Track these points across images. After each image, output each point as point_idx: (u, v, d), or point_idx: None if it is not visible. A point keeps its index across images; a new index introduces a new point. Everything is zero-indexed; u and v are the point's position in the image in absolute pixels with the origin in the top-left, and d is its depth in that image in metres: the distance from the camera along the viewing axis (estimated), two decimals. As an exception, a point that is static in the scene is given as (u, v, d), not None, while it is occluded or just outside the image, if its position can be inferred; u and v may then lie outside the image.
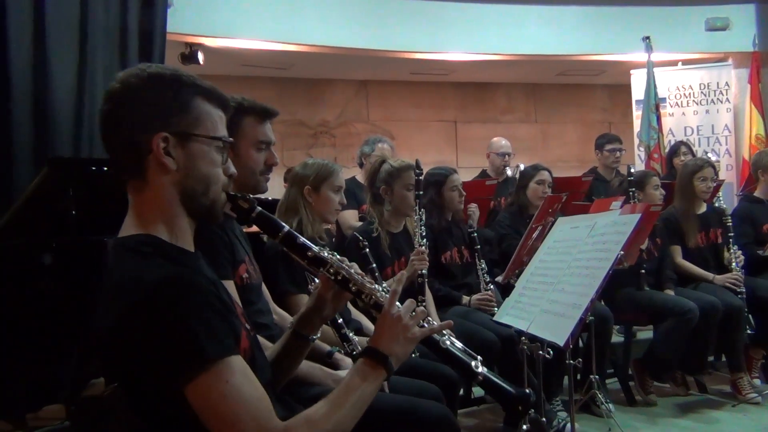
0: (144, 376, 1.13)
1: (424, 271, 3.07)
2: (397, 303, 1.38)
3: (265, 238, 2.79)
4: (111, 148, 1.26)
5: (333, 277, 1.41)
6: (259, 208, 1.39)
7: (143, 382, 1.14)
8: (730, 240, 4.08)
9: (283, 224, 1.42)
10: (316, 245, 1.45)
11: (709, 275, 4.03)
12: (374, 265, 2.83)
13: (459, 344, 1.43)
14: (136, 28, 4.30)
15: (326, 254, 1.42)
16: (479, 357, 1.42)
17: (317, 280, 2.29)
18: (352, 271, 1.43)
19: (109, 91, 1.25)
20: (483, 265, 3.53)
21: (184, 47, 6.05)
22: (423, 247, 3.09)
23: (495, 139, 5.42)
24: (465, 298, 3.43)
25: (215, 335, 1.12)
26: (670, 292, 3.88)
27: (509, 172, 5.16)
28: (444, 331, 1.42)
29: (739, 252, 4.05)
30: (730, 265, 4.03)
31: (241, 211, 1.37)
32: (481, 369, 1.39)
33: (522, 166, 4.89)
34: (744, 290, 3.93)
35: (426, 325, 1.39)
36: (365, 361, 1.31)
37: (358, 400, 1.27)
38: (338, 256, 1.44)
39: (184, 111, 1.24)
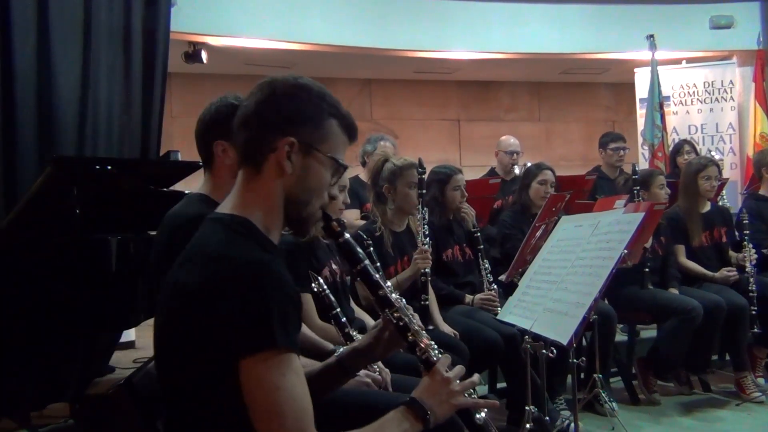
0: (207, 341, 1.15)
1: (427, 270, 3.07)
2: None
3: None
4: (241, 135, 1.32)
5: (395, 322, 1.44)
6: (348, 237, 1.45)
7: (202, 348, 1.16)
8: (746, 238, 4.05)
9: (365, 257, 1.46)
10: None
11: (710, 274, 4.02)
12: (378, 264, 2.83)
13: (493, 426, 1.46)
14: (139, 27, 4.30)
15: (395, 297, 1.46)
16: None
17: (320, 279, 2.31)
18: (415, 321, 1.46)
19: (259, 86, 1.33)
20: (486, 265, 3.53)
21: (187, 46, 6.06)
22: (426, 246, 3.10)
23: (504, 137, 5.41)
24: (468, 297, 3.43)
25: (288, 328, 1.16)
26: (675, 291, 3.88)
27: (517, 171, 5.15)
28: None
29: (753, 250, 4.04)
30: (744, 263, 4.01)
31: (331, 233, 1.43)
32: None
33: (530, 164, 4.88)
34: (755, 288, 3.92)
35: (466, 395, 1.42)
36: (407, 409, 1.34)
37: None
38: (405, 303, 1.48)
39: (316, 125, 1.32)
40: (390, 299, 1.45)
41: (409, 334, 1.44)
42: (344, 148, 1.37)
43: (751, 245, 4.03)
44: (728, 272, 3.99)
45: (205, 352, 1.16)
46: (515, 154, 5.25)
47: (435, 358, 1.42)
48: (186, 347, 1.19)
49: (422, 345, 1.43)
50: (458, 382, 1.40)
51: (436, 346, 1.44)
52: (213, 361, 1.15)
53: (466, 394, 1.41)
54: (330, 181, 1.36)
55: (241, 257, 1.18)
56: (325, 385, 1.56)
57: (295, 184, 1.31)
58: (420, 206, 3.16)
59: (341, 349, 1.60)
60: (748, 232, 4.06)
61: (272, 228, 1.32)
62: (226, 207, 1.32)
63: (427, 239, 3.13)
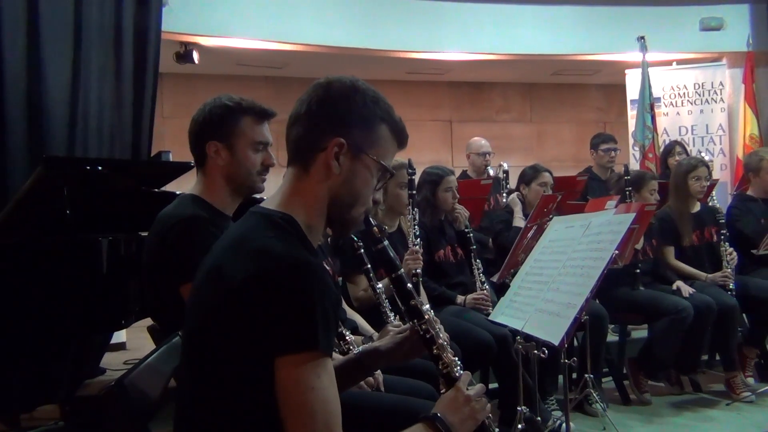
0: (246, 333, 1.15)
1: (418, 271, 3.07)
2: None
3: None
4: (292, 131, 1.33)
5: (421, 333, 1.45)
6: (386, 244, 1.46)
7: (240, 340, 1.15)
8: (723, 237, 4.09)
9: (400, 266, 1.48)
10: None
11: (702, 274, 4.05)
12: (369, 265, 2.82)
13: None
14: (130, 27, 4.28)
15: (425, 308, 1.46)
16: None
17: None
18: (442, 335, 1.46)
19: (315, 86, 1.33)
20: (479, 265, 3.53)
21: (179, 46, 6.04)
22: (417, 247, 3.10)
23: (474, 139, 5.41)
24: (460, 298, 3.44)
25: (328, 332, 1.16)
26: (681, 283, 3.88)
27: (491, 172, 5.15)
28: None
29: (731, 248, 4.07)
30: (723, 262, 4.06)
31: (371, 238, 1.46)
32: None
33: (506, 165, 4.89)
34: (733, 287, 3.95)
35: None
36: (429, 424, 1.34)
37: None
38: (434, 315, 1.48)
39: (368, 129, 1.32)
40: (420, 310, 1.45)
41: (434, 347, 1.44)
42: (393, 154, 1.38)
43: (727, 243, 4.07)
44: (722, 276, 4.01)
45: (242, 344, 1.15)
46: (487, 155, 5.25)
47: (457, 374, 1.42)
48: (222, 336, 1.18)
49: (445, 360, 1.43)
50: (478, 398, 1.40)
51: (459, 362, 1.45)
52: (249, 353, 1.15)
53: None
54: (375, 186, 1.36)
55: (290, 256, 1.17)
56: (342, 381, 1.57)
57: (341, 186, 1.30)
58: (410, 207, 3.16)
59: (360, 348, 1.61)
60: (724, 231, 4.09)
61: (314, 228, 1.32)
62: (272, 203, 1.32)
63: (418, 240, 3.14)
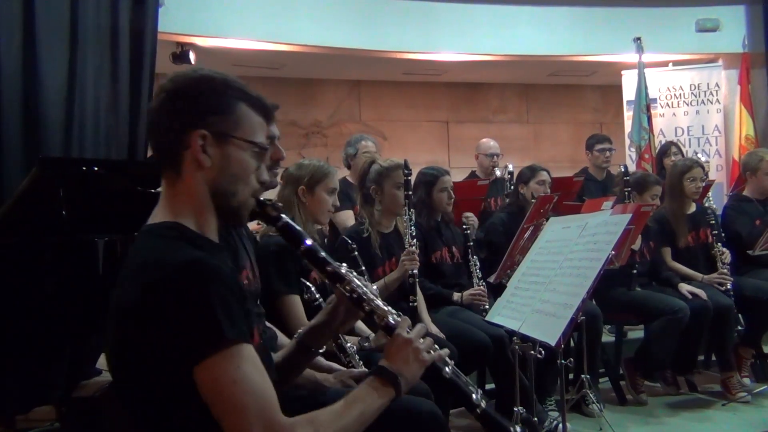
0: (158, 355, 1.13)
1: (414, 271, 3.07)
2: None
3: (258, 237, 2.79)
4: (152, 140, 1.31)
5: (348, 295, 1.44)
6: (286, 219, 1.43)
7: (155, 363, 1.14)
8: (716, 238, 4.10)
9: (307, 237, 1.45)
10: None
11: (698, 275, 4.05)
12: (363, 267, 2.81)
13: (462, 375, 1.47)
14: (127, 28, 4.28)
15: (344, 271, 1.45)
16: (480, 390, 1.47)
17: (312, 288, 2.30)
18: (368, 290, 1.46)
19: (160, 87, 1.30)
20: (476, 261, 3.54)
21: (175, 47, 6.02)
22: (413, 247, 3.10)
23: (483, 140, 5.46)
24: (456, 295, 3.43)
25: (233, 319, 1.14)
26: (685, 285, 3.88)
27: (498, 173, 5.19)
28: (447, 360, 1.45)
29: (724, 249, 4.08)
30: (718, 262, 4.07)
31: (268, 219, 1.42)
32: (481, 402, 1.44)
33: (510, 166, 4.90)
34: (731, 287, 3.96)
35: (432, 352, 1.42)
36: (375, 378, 1.34)
37: (362, 413, 1.29)
38: (356, 274, 1.47)
39: (226, 113, 1.28)
40: (340, 274, 1.44)
41: (364, 304, 1.43)
42: (262, 129, 1.34)
43: (720, 244, 4.07)
44: (719, 276, 4.01)
45: (158, 366, 1.14)
46: (495, 157, 5.31)
47: (394, 322, 1.42)
48: (138, 364, 1.16)
49: (379, 312, 1.43)
50: (421, 340, 1.40)
51: (393, 311, 1.44)
52: (168, 372, 1.13)
53: (431, 351, 1.41)
54: (254, 166, 1.32)
55: (173, 260, 1.15)
56: (292, 368, 1.58)
57: (218, 176, 1.27)
58: (406, 207, 3.16)
59: (300, 330, 1.60)
60: (716, 232, 4.10)
61: (206, 225, 1.30)
62: (156, 217, 1.29)
63: (414, 240, 3.14)
